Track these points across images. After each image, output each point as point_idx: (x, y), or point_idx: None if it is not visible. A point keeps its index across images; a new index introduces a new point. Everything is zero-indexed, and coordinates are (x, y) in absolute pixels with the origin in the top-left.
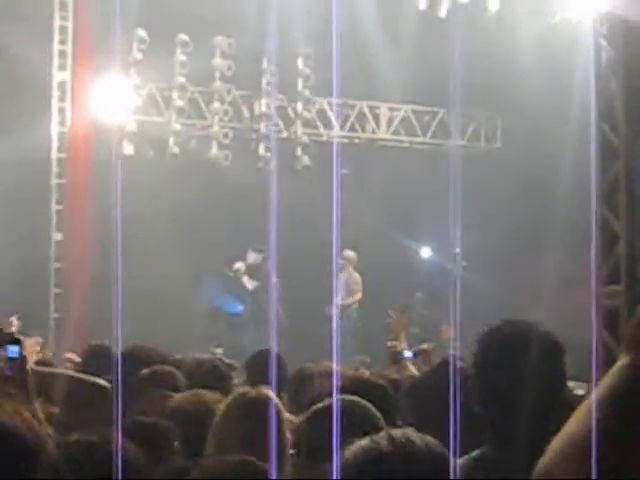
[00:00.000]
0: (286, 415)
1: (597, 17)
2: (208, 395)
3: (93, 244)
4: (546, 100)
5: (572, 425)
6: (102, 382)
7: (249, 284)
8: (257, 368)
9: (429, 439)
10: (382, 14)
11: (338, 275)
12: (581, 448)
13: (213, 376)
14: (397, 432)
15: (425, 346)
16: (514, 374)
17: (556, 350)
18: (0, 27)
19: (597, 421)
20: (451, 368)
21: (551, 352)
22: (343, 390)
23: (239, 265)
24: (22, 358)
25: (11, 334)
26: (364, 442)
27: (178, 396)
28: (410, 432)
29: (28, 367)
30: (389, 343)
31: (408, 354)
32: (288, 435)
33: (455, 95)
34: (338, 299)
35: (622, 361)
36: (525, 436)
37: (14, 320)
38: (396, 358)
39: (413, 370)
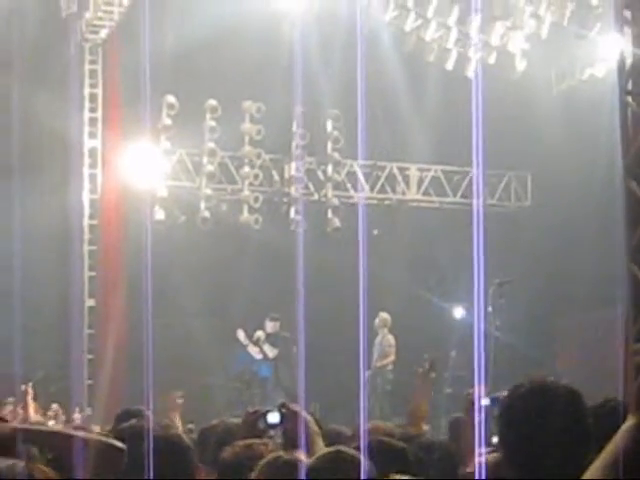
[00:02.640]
0: None
1: (622, 73)
2: (261, 446)
3: (126, 310)
4: (574, 157)
5: None
6: (119, 444)
7: (270, 352)
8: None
9: None
10: (410, 75)
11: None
12: None
13: None
14: None
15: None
16: (531, 431)
17: (578, 406)
18: (31, 95)
19: None
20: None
21: (573, 408)
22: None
23: (259, 333)
24: None
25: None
26: None
27: (232, 447)
28: None
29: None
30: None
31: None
32: None
33: (478, 153)
34: (372, 361)
35: (630, 421)
36: None
37: (27, 388)
38: (421, 418)
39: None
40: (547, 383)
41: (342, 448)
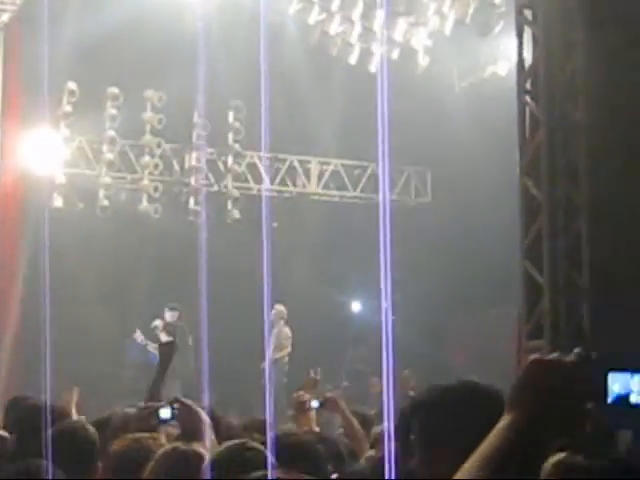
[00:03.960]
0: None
1: (521, 73)
2: (150, 440)
3: (21, 296)
4: (475, 154)
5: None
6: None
7: (165, 340)
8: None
9: None
10: (314, 69)
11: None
12: None
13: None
14: None
15: (330, 394)
16: (457, 432)
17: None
18: None
19: None
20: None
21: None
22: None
23: (157, 322)
24: None
25: None
26: None
27: (121, 440)
28: None
29: None
30: (295, 394)
31: (315, 404)
32: None
33: (384, 148)
34: (269, 353)
35: (505, 419)
36: None
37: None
38: (303, 408)
39: (313, 423)
40: (474, 383)
41: (248, 441)
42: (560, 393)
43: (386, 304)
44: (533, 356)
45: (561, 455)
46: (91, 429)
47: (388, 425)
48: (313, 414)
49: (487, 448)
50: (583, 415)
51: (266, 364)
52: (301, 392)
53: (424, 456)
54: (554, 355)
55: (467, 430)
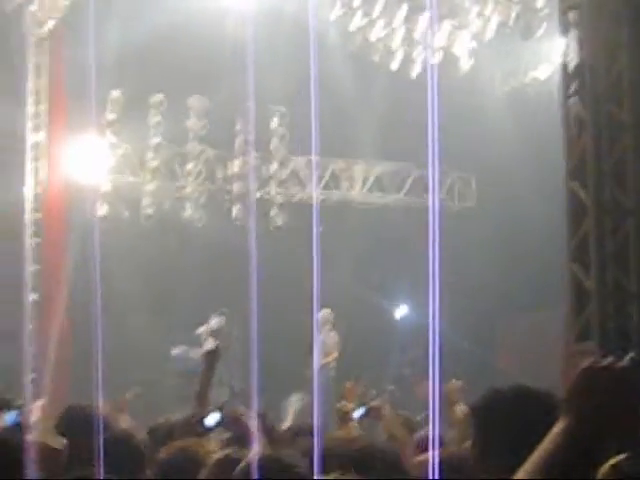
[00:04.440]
0: None
1: (566, 75)
2: (197, 447)
3: (67, 306)
4: (518, 159)
5: None
6: (56, 445)
7: (209, 346)
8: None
9: None
10: (358, 74)
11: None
12: None
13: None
14: None
15: (375, 403)
16: (513, 437)
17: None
18: None
19: None
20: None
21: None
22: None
23: (202, 329)
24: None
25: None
26: None
27: (167, 448)
28: None
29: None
30: (338, 404)
31: (357, 414)
32: None
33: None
34: (317, 359)
35: (559, 426)
36: None
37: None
38: (346, 418)
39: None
40: (529, 388)
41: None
42: (613, 398)
43: (434, 308)
44: (587, 361)
45: (619, 457)
46: (140, 437)
47: (434, 432)
48: (354, 423)
49: (542, 452)
50: (636, 419)
51: (313, 369)
52: (344, 402)
53: (479, 460)
54: (607, 360)
55: (520, 434)
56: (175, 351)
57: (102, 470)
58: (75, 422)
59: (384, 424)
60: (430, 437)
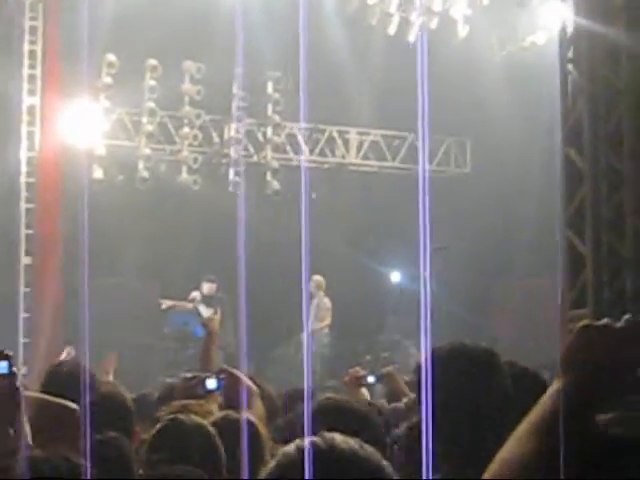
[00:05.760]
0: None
1: (563, 41)
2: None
3: (63, 268)
4: (514, 124)
5: (507, 449)
6: (71, 405)
7: (205, 312)
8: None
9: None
10: (352, 39)
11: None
12: (516, 473)
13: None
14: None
15: (388, 369)
16: (449, 390)
17: (491, 363)
18: None
19: (530, 446)
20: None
21: (486, 366)
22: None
23: (195, 294)
24: (12, 375)
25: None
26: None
27: (169, 407)
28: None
29: (18, 384)
30: (351, 370)
31: (371, 379)
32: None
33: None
34: (309, 324)
35: (556, 384)
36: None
37: (67, 350)
38: (359, 383)
39: (367, 395)
40: (465, 345)
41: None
42: (610, 358)
43: (425, 273)
44: (583, 322)
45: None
46: (127, 395)
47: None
48: (364, 389)
49: (538, 412)
50: (633, 379)
51: (305, 335)
52: (357, 368)
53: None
54: (603, 321)
55: (453, 390)
56: (164, 303)
57: (88, 430)
58: (60, 381)
59: (397, 388)
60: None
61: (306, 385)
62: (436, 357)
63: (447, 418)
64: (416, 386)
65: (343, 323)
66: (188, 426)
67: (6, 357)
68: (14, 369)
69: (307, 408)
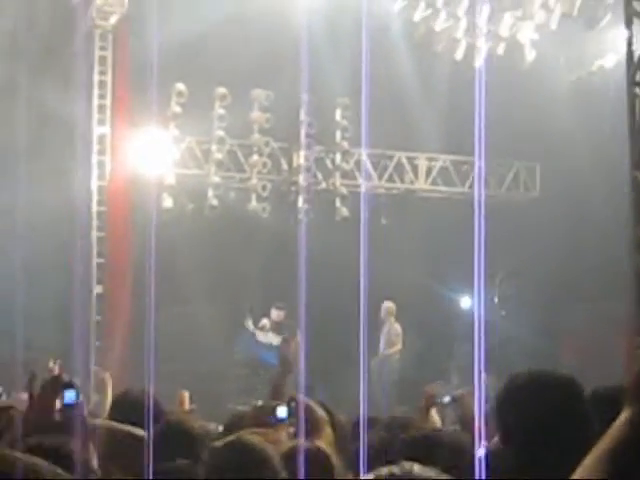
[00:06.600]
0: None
1: (630, 64)
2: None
3: (133, 297)
4: (583, 148)
5: (576, 478)
6: (138, 432)
7: (274, 340)
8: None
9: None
10: (420, 65)
11: (381, 327)
12: None
13: None
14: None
15: (461, 391)
16: (530, 420)
17: (574, 392)
18: (41, 82)
19: (597, 475)
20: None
21: (572, 396)
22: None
23: (264, 322)
24: (79, 404)
25: (68, 380)
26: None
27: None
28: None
29: (85, 412)
30: (427, 387)
31: (447, 399)
32: None
33: (480, 143)
34: (379, 350)
35: (625, 413)
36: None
37: (54, 366)
38: (432, 403)
39: (436, 419)
40: (545, 372)
41: None
42: None
43: (478, 301)
44: None
45: None
46: (196, 424)
47: (479, 422)
48: (436, 415)
49: (606, 443)
50: None
51: (366, 361)
52: (432, 385)
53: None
54: None
55: (537, 419)
56: (249, 324)
57: (151, 457)
58: (129, 409)
59: (470, 414)
60: (477, 426)
61: (362, 412)
62: (514, 385)
63: (529, 445)
64: (495, 413)
65: (414, 349)
66: (248, 447)
67: (73, 387)
68: (81, 398)
69: (363, 435)
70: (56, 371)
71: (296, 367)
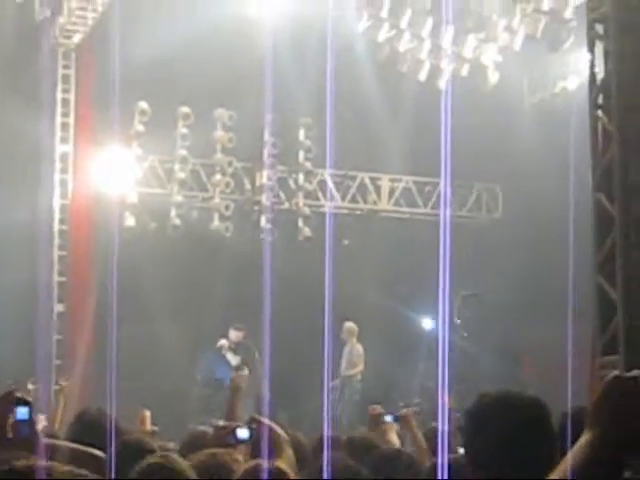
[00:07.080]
0: None
1: (593, 87)
2: (226, 456)
3: (95, 316)
4: (545, 170)
5: None
6: (97, 453)
7: (233, 360)
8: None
9: None
10: (383, 86)
11: (343, 347)
12: None
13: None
14: None
15: (405, 411)
16: (497, 440)
17: (540, 413)
18: (2, 99)
19: None
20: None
21: (538, 417)
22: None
23: (223, 342)
24: (31, 421)
25: (20, 396)
26: None
27: (197, 455)
28: None
29: (37, 429)
30: (370, 407)
31: (389, 418)
32: None
33: (446, 165)
34: (340, 370)
35: (586, 436)
36: None
37: (34, 387)
38: (377, 421)
39: (394, 437)
40: (512, 393)
41: None
42: (639, 412)
43: (442, 321)
44: (613, 373)
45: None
46: (155, 444)
47: (442, 440)
48: (390, 428)
49: (568, 463)
50: None
51: (330, 382)
52: (375, 405)
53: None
54: (633, 372)
55: (504, 439)
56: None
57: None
58: (86, 429)
59: (411, 434)
60: (439, 443)
61: (325, 433)
62: (481, 404)
63: (495, 466)
64: (463, 432)
65: (375, 370)
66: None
67: (26, 403)
68: (34, 415)
69: (327, 455)
70: (30, 391)
71: (255, 389)
